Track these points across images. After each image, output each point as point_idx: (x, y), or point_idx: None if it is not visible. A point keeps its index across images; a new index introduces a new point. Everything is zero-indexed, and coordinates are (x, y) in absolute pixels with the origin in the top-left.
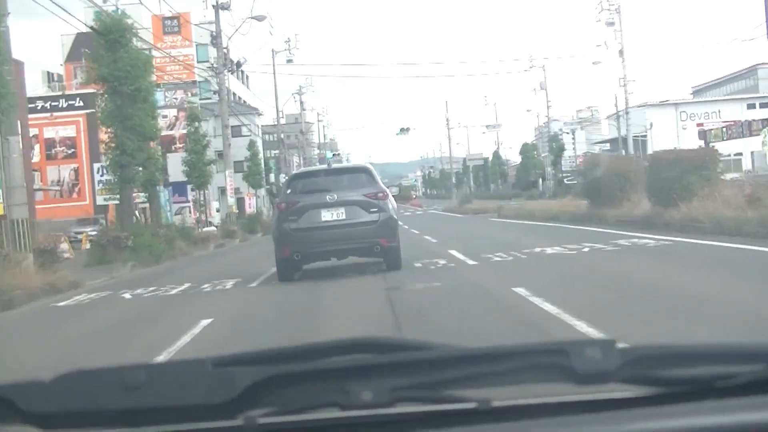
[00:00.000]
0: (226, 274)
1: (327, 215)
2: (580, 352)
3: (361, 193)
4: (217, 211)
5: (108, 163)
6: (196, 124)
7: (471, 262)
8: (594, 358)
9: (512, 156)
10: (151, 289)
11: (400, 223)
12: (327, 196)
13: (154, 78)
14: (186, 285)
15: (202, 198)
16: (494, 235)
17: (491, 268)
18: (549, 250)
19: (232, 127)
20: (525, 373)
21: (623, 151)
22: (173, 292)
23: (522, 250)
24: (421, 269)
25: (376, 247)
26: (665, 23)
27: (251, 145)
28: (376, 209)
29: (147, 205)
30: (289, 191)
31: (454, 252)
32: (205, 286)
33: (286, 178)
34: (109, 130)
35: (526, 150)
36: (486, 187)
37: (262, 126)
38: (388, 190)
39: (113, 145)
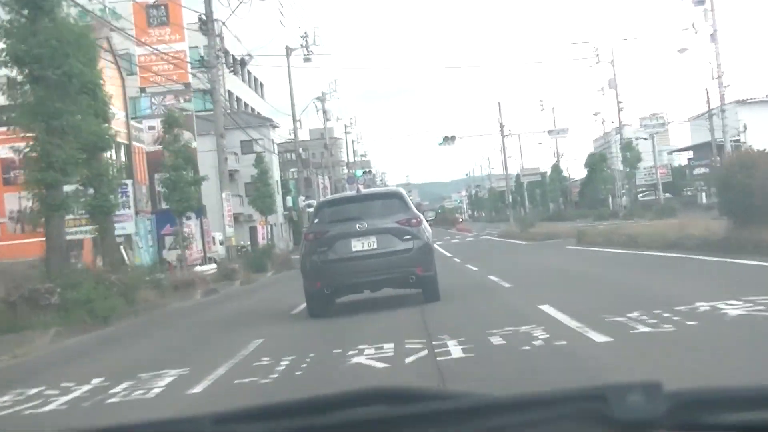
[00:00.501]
0: (178, 356)
1: (358, 245)
2: (622, 397)
3: (392, 220)
4: (221, 243)
5: (25, 181)
6: (176, 131)
7: (595, 336)
8: (637, 403)
9: (573, 170)
10: (32, 392)
11: (448, 254)
12: (357, 225)
13: (98, 63)
14: (96, 381)
15: (191, 227)
16: (598, 275)
17: (647, 356)
18: (726, 308)
19: (242, 142)
20: (560, 423)
21: (718, 159)
22: (48, 407)
23: (673, 307)
24: (504, 351)
25: (411, 276)
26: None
27: (259, 162)
28: (409, 236)
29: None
30: (317, 221)
31: (547, 309)
32: (122, 386)
33: (314, 206)
34: (28, 134)
35: (594, 161)
36: (544, 206)
37: (279, 143)
38: (422, 216)
39: (34, 154)
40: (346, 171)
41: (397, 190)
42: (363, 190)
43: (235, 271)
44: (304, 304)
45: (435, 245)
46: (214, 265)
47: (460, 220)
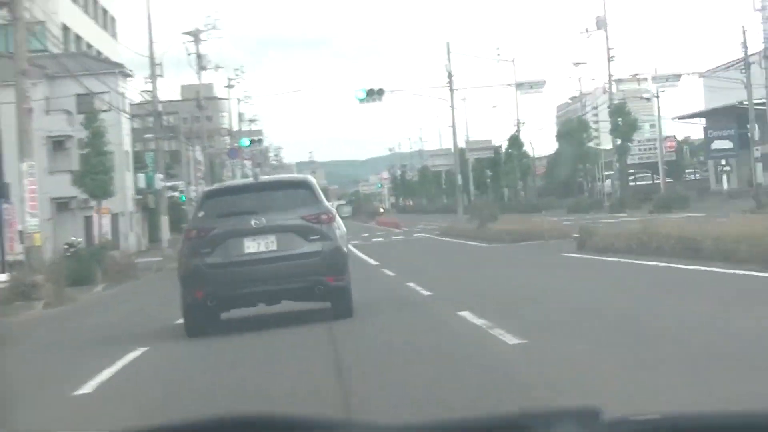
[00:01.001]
0: None
1: (252, 245)
2: (551, 426)
3: (297, 215)
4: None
5: None
6: None
7: None
8: None
9: (540, 145)
10: None
11: (371, 261)
12: (252, 220)
13: None
14: None
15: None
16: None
17: None
18: None
19: (79, 96)
20: None
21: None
22: None
23: None
24: None
25: (318, 287)
26: None
27: (91, 121)
28: (318, 236)
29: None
30: (201, 214)
31: None
32: None
33: (198, 195)
34: None
35: (571, 130)
36: (496, 192)
37: (139, 103)
38: (335, 211)
39: None
40: (228, 141)
41: (306, 179)
42: (262, 178)
43: (37, 287)
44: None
45: (350, 247)
46: (4, 277)
47: (382, 210)
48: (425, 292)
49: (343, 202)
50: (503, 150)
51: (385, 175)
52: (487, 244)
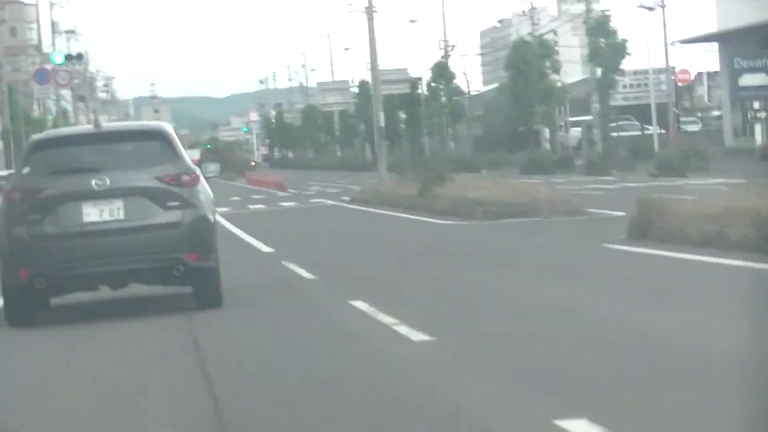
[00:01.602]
0: None
1: (93, 213)
2: None
3: (151, 174)
4: None
5: None
6: None
7: None
8: None
9: (476, 80)
10: None
11: (265, 248)
12: (94, 181)
13: None
14: None
15: None
16: None
17: None
18: None
19: None
20: None
21: None
22: None
23: None
24: None
25: (177, 267)
26: None
27: None
28: (177, 203)
29: None
30: (27, 170)
31: None
32: None
33: (24, 146)
34: None
35: (526, 57)
36: (414, 142)
37: None
38: (198, 170)
39: None
40: (38, 63)
41: (162, 127)
42: (107, 125)
43: None
44: None
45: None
46: None
47: (253, 164)
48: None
49: (197, 153)
50: (424, 84)
51: (254, 116)
52: (448, 222)
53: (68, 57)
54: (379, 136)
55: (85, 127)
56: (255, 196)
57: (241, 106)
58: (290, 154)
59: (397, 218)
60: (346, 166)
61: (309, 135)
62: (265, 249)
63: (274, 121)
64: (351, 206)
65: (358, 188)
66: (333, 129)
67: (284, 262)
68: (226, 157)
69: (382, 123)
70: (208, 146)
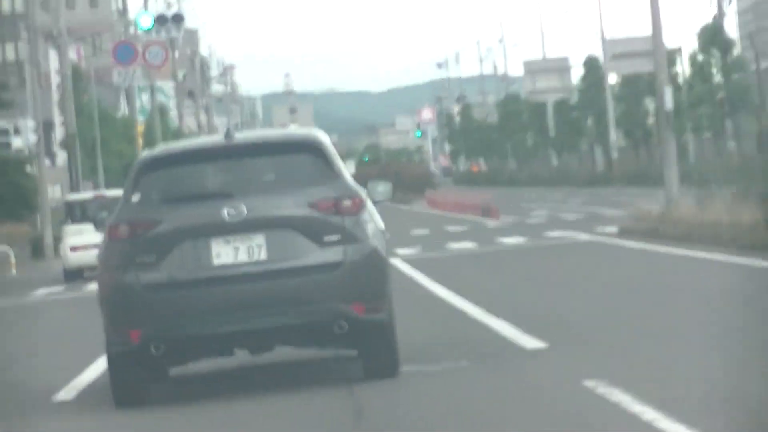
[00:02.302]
0: None
1: (225, 252)
2: None
3: (303, 200)
4: None
5: None
6: None
7: None
8: None
9: None
10: None
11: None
12: (225, 210)
13: None
14: None
15: None
16: None
17: None
18: None
19: None
20: None
21: None
22: None
23: None
24: None
25: (339, 322)
26: None
27: None
28: (337, 236)
29: None
30: (136, 197)
31: None
32: None
33: (132, 166)
34: None
35: None
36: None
37: None
38: (363, 193)
39: None
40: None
41: (313, 137)
42: (240, 136)
43: None
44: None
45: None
46: None
47: (437, 179)
48: None
49: (351, 167)
50: (685, 58)
51: (428, 114)
52: None
53: (160, 20)
54: (664, 126)
55: (212, 139)
56: (452, 228)
57: (408, 101)
58: (478, 167)
59: (746, 269)
60: (566, 180)
61: (510, 137)
62: (527, 343)
63: (458, 119)
64: (627, 243)
65: (618, 212)
66: (545, 128)
67: (585, 382)
68: (393, 172)
69: (670, 104)
70: (366, 158)
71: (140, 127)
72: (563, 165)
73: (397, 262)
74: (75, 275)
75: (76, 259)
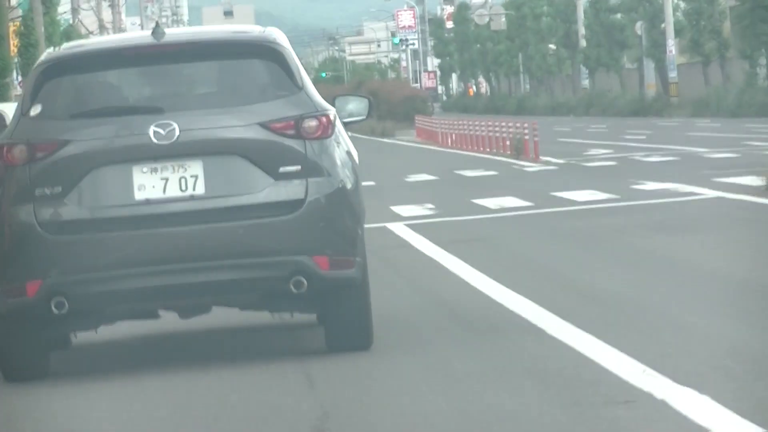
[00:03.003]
0: None
1: (151, 184)
2: None
3: (253, 117)
4: None
5: None
6: None
7: None
8: None
9: None
10: None
11: None
12: (152, 128)
13: None
14: None
15: None
16: None
17: None
18: None
19: None
20: None
21: None
22: None
23: None
24: None
25: (296, 278)
26: None
27: None
28: (296, 168)
29: None
30: (36, 110)
31: None
32: None
33: (32, 72)
34: None
35: None
36: None
37: None
38: (332, 110)
39: None
40: None
41: (268, 36)
42: (172, 33)
43: None
44: None
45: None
46: None
47: (432, 108)
48: None
49: (357, 104)
50: None
51: (407, 18)
52: None
53: None
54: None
55: (136, 37)
56: (470, 173)
57: (379, 1)
58: (483, 88)
59: None
60: (603, 108)
61: (523, 49)
62: None
63: (449, 24)
64: None
65: (722, 152)
66: (573, 36)
67: None
68: (367, 93)
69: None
70: (324, 74)
71: (14, 25)
72: (596, 87)
73: (397, 229)
74: None
75: None
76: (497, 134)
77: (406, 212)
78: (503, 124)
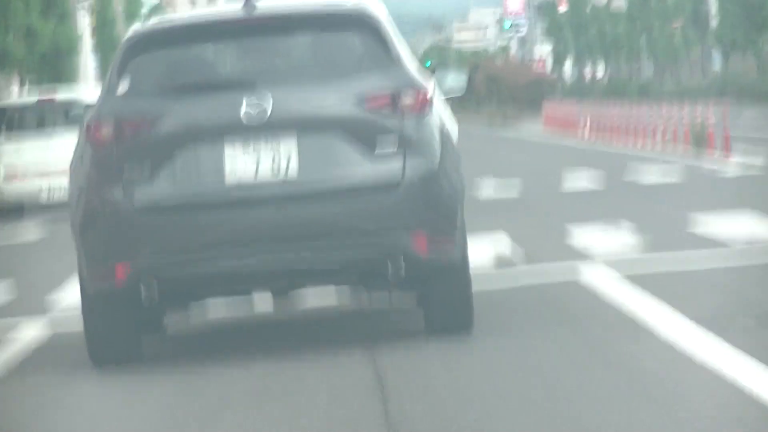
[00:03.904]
0: None
1: (242, 164)
2: None
3: (348, 92)
4: None
5: None
6: None
7: None
8: None
9: None
10: None
11: None
12: (244, 105)
13: None
14: None
15: None
16: None
17: None
18: None
19: None
20: None
21: None
22: None
23: None
24: None
25: (394, 259)
26: None
27: None
28: (393, 146)
29: None
30: (124, 87)
31: None
32: None
33: (119, 48)
34: None
35: None
36: None
37: None
38: (431, 85)
39: None
40: None
41: (363, 6)
42: (264, 6)
43: None
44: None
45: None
46: None
47: (555, 87)
48: None
49: (455, 78)
50: None
51: (514, 2)
52: None
53: None
54: None
55: (226, 10)
56: (644, 180)
57: None
58: (599, 73)
59: None
60: (738, 93)
61: (646, 31)
62: None
63: (562, 8)
64: None
65: None
66: (703, 15)
67: None
68: (485, 79)
69: None
70: (428, 62)
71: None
72: (728, 72)
73: (597, 279)
74: (12, 213)
75: (13, 190)
76: (664, 124)
77: (590, 243)
78: (670, 110)
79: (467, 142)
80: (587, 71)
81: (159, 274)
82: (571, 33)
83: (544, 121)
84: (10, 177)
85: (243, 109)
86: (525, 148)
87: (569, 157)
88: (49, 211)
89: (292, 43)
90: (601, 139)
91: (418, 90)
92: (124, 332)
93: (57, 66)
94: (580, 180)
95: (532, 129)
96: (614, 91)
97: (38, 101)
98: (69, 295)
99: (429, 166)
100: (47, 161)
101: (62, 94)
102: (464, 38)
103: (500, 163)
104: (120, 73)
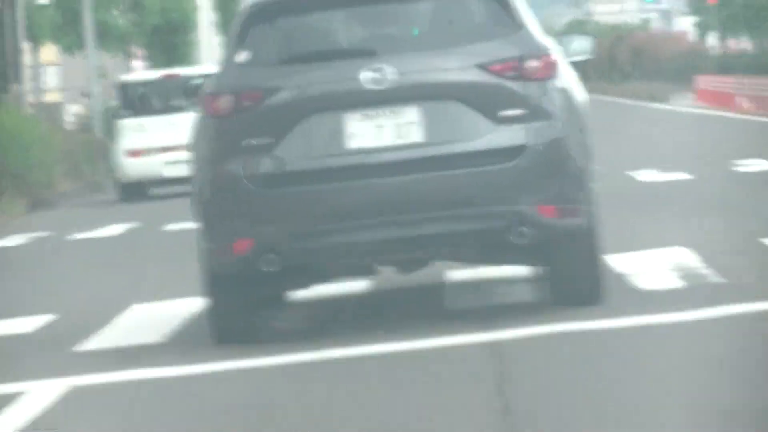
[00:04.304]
0: None
1: (365, 132)
2: None
3: (470, 59)
4: None
5: None
6: None
7: None
8: None
9: None
10: None
11: None
12: (364, 73)
13: None
14: None
15: None
16: None
17: None
18: None
19: None
20: None
21: None
22: None
23: None
24: None
25: (519, 229)
26: None
27: None
28: (518, 111)
29: None
30: (244, 56)
31: None
32: None
33: (238, 15)
34: None
35: None
36: None
37: None
38: (556, 50)
39: None
40: None
41: None
42: None
43: None
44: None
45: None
46: None
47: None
48: None
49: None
50: None
51: None
52: None
53: None
54: None
55: None
56: None
57: None
58: (738, 45)
59: None
60: None
61: None
62: None
63: None
64: None
65: None
66: None
67: None
68: (630, 51)
69: None
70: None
71: None
72: None
73: None
74: (134, 191)
75: (135, 168)
76: None
77: None
78: None
79: (618, 119)
80: (732, 43)
81: (281, 247)
82: (716, 6)
83: (696, 95)
84: (132, 153)
85: (364, 78)
86: (679, 123)
87: (728, 132)
88: (171, 185)
89: (413, 10)
90: (760, 112)
91: (543, 55)
92: (245, 309)
93: (170, 42)
94: (753, 156)
95: (685, 103)
96: (762, 63)
97: (163, 76)
98: None
99: (554, 131)
100: (170, 137)
101: (186, 71)
102: (603, 11)
103: (654, 141)
104: (238, 43)
